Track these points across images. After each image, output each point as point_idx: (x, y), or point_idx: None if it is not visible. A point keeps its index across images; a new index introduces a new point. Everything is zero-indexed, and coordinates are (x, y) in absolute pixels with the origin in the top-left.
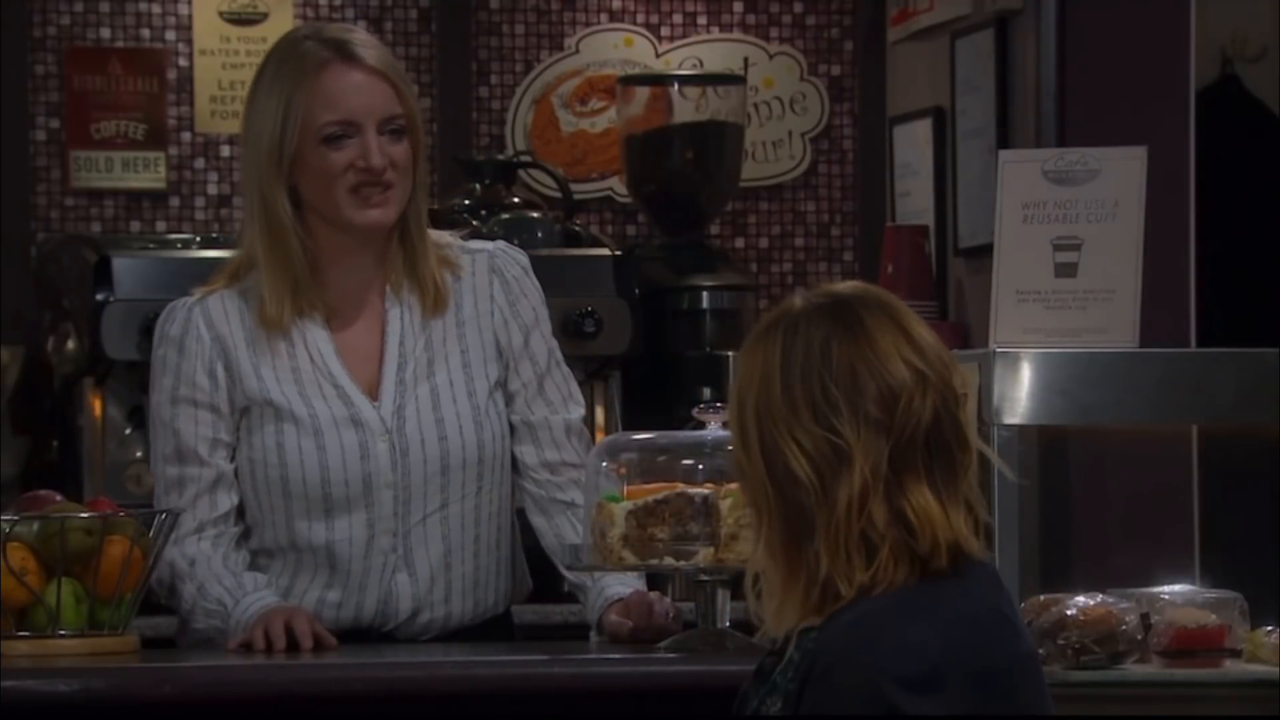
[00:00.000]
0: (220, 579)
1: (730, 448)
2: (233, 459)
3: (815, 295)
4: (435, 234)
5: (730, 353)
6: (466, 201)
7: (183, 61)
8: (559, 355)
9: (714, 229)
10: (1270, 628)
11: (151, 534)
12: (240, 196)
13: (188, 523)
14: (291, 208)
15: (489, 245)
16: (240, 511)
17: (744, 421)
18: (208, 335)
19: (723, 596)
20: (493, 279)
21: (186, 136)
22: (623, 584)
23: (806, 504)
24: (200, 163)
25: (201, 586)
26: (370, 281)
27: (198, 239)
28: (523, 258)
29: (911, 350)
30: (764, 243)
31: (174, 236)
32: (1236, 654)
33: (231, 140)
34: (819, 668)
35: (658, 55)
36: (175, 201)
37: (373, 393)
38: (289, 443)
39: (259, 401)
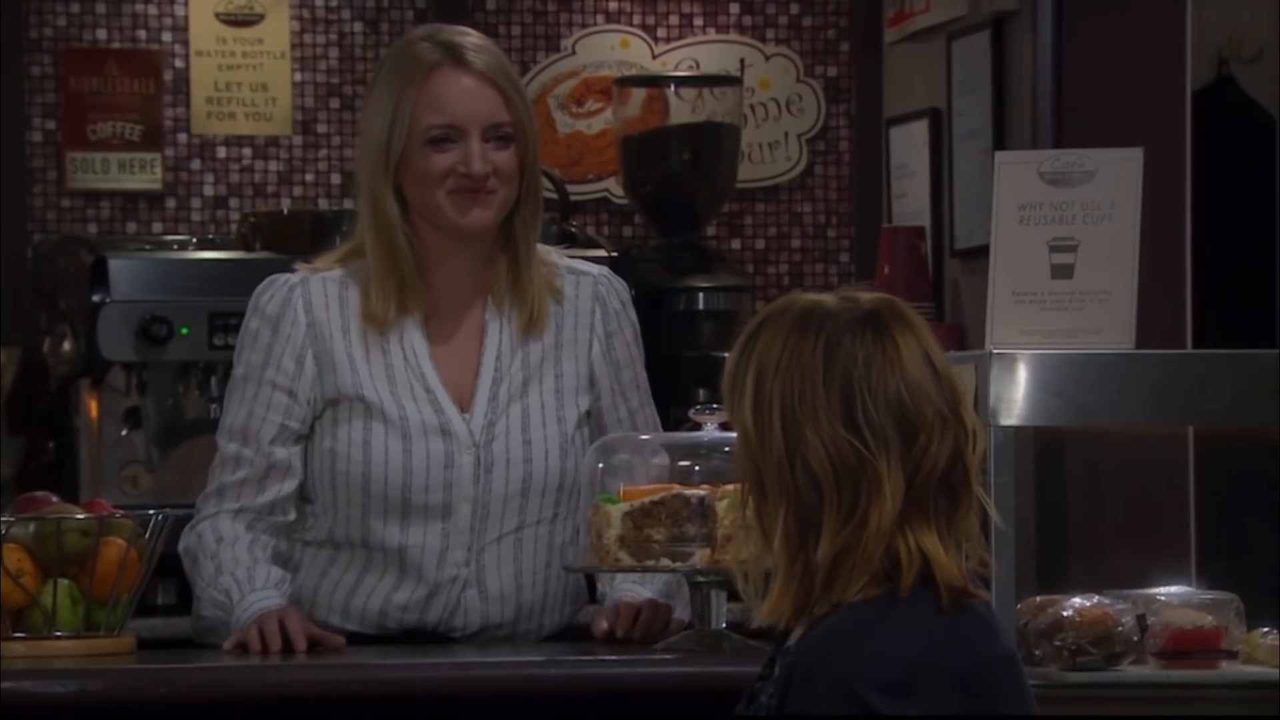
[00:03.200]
0: (238, 565)
1: (728, 447)
2: (298, 446)
3: (850, 303)
4: (542, 249)
5: (726, 354)
6: None
7: (179, 63)
8: (648, 394)
9: (710, 230)
10: (1267, 629)
11: (148, 535)
12: (236, 197)
13: (230, 501)
14: (398, 207)
15: (594, 269)
16: (291, 501)
17: (766, 402)
18: (304, 319)
19: (719, 598)
20: (595, 306)
21: (183, 138)
22: (638, 586)
23: (815, 502)
24: (196, 164)
25: (220, 568)
26: (473, 290)
27: (194, 240)
28: (624, 289)
29: (935, 385)
30: (760, 244)
31: (170, 238)
32: (1233, 655)
33: (228, 141)
34: (798, 677)
35: (654, 56)
36: (171, 203)
37: (464, 404)
38: (376, 441)
39: (350, 395)
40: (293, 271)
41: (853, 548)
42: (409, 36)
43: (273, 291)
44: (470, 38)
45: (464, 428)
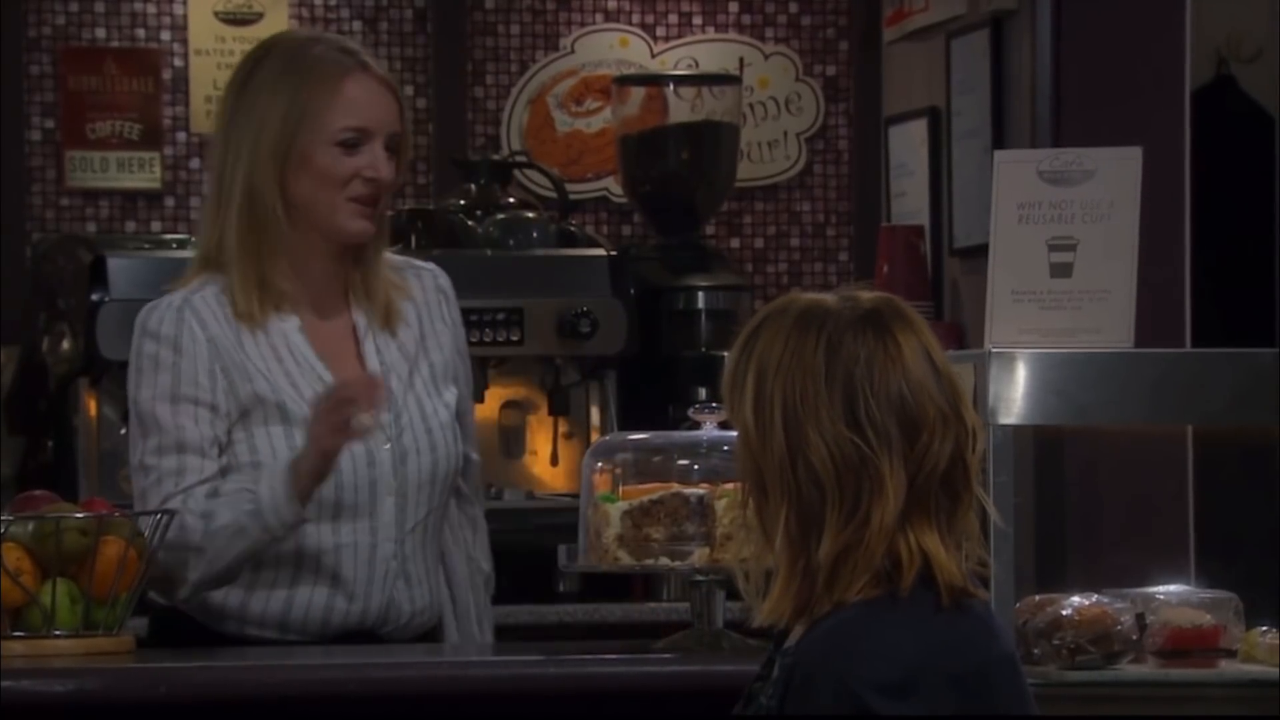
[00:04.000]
0: (239, 493)
1: (727, 446)
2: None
3: (850, 302)
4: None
5: (725, 352)
6: (462, 202)
7: (178, 61)
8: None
9: (709, 229)
10: (1266, 628)
11: (147, 534)
12: None
13: (194, 501)
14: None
15: (427, 265)
16: None
17: (767, 402)
18: (202, 335)
19: (718, 596)
20: (440, 299)
21: (182, 136)
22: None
23: (817, 501)
24: (195, 163)
25: (215, 513)
26: (336, 290)
27: (193, 239)
28: (450, 283)
29: (936, 384)
30: (759, 243)
31: (169, 236)
32: (1232, 654)
33: None
34: (797, 679)
35: (653, 55)
36: (170, 201)
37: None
38: (298, 447)
39: (267, 402)
40: (167, 292)
41: (854, 547)
42: (293, 38)
43: (160, 314)
44: (359, 45)
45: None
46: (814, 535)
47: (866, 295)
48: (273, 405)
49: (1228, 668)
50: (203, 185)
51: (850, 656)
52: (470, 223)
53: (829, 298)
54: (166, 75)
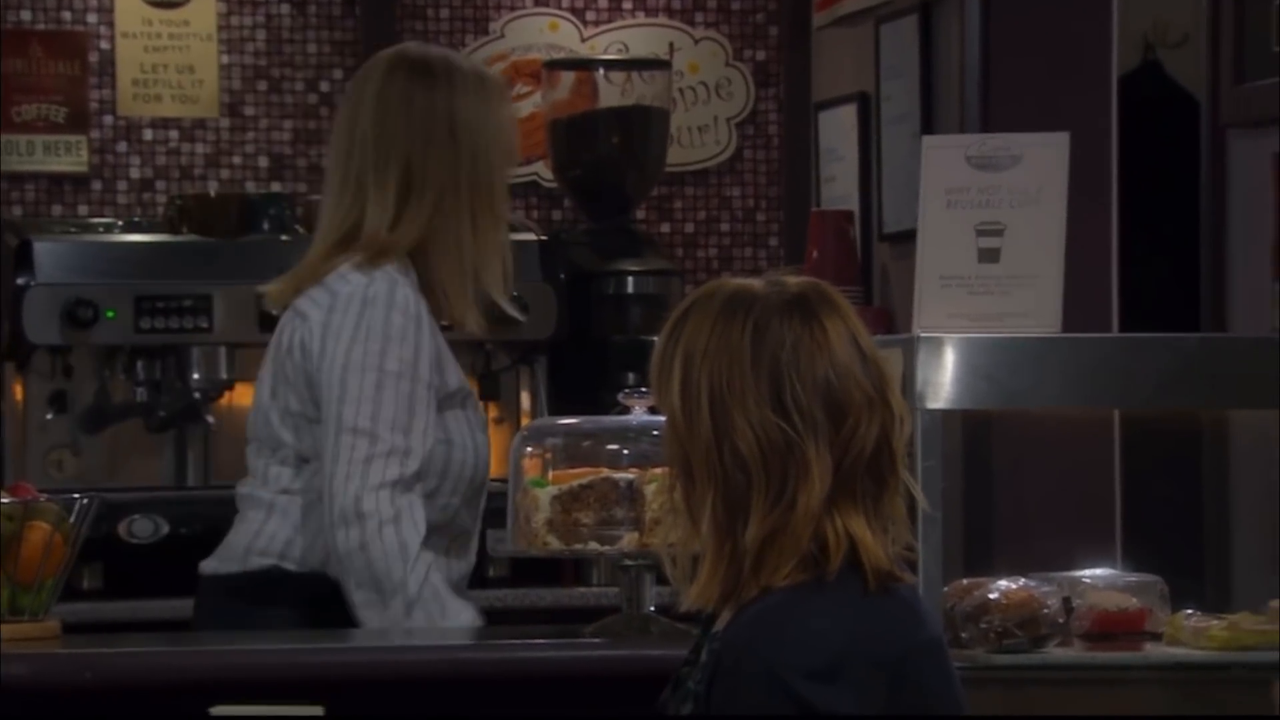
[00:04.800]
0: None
1: (656, 431)
2: None
3: (777, 287)
4: None
5: (655, 337)
6: None
7: (104, 44)
8: None
9: (639, 214)
10: (1190, 611)
11: (73, 520)
12: (163, 180)
13: (418, 497)
14: None
15: None
16: None
17: (694, 387)
18: (426, 318)
19: (647, 581)
20: None
21: (108, 120)
22: None
23: (743, 485)
24: (122, 146)
25: (448, 610)
26: None
27: (120, 223)
28: None
29: (862, 369)
30: (690, 228)
31: (96, 220)
32: (1157, 637)
33: (154, 124)
34: (725, 665)
35: (583, 40)
36: (97, 185)
37: None
38: (476, 432)
39: (457, 390)
40: (369, 269)
41: (780, 531)
42: (467, 57)
43: (404, 292)
44: None
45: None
46: (740, 520)
47: (794, 280)
48: (461, 393)
49: (1153, 651)
50: (129, 170)
51: (777, 642)
52: None
53: (756, 283)
54: (93, 58)
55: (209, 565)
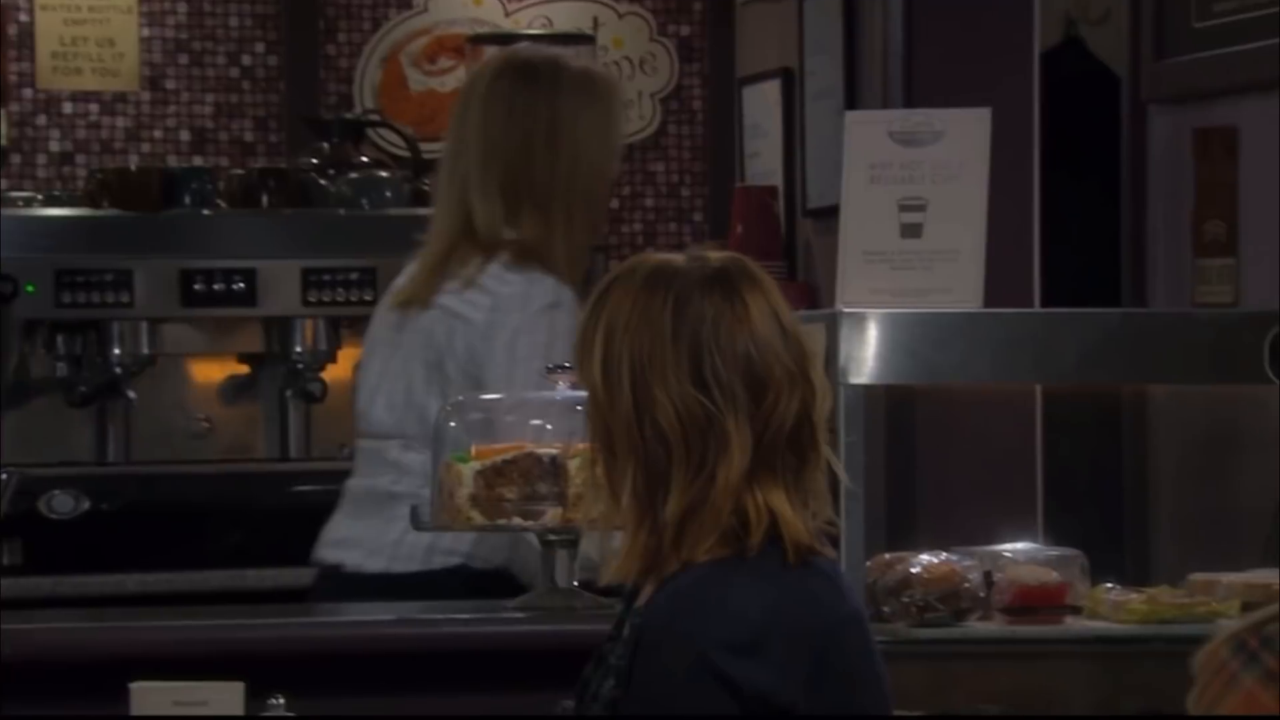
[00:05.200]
0: None
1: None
2: None
3: (699, 262)
4: None
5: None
6: (314, 161)
7: (23, 16)
8: None
9: None
10: (1110, 585)
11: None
12: (83, 154)
13: None
14: None
15: None
16: None
17: (614, 360)
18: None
19: (570, 556)
20: None
21: (28, 93)
22: None
23: (663, 459)
24: (42, 120)
25: None
26: None
27: (40, 197)
28: None
29: (783, 344)
30: (614, 203)
31: (16, 194)
32: (1077, 611)
33: (74, 97)
34: (646, 641)
35: (507, 14)
36: (17, 159)
37: None
38: None
39: None
40: (521, 269)
41: (700, 505)
42: (580, 57)
43: (563, 290)
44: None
45: None
46: (661, 494)
47: (716, 255)
48: None
49: (1073, 624)
50: (49, 143)
51: (698, 617)
52: (323, 182)
53: (678, 258)
54: (12, 30)
55: (365, 563)
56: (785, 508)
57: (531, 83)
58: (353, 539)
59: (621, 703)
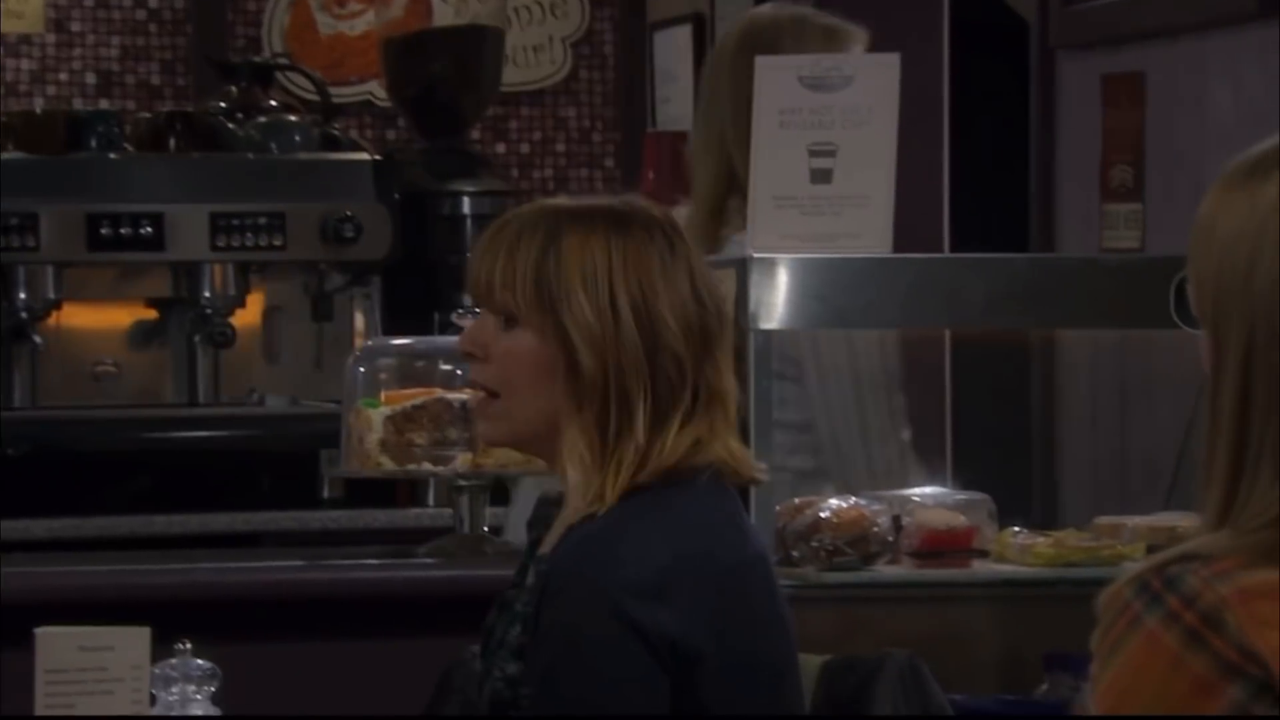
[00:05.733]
0: None
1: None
2: None
3: (628, 207)
4: None
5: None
6: (222, 104)
7: None
8: None
9: (475, 134)
10: (1018, 528)
11: None
12: None
13: None
14: None
15: None
16: None
17: (608, 298)
18: None
19: (481, 501)
20: None
21: None
22: None
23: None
24: None
25: None
26: None
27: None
28: None
29: (705, 289)
30: (525, 148)
31: None
32: (985, 554)
33: None
34: (552, 587)
35: None
36: None
37: None
38: None
39: None
40: None
41: (608, 450)
42: (827, 13)
43: None
44: None
45: None
46: (626, 425)
47: (637, 202)
48: None
49: (980, 568)
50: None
51: (604, 561)
52: (231, 125)
53: (608, 202)
54: None
55: None
56: (692, 452)
57: (772, 36)
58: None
59: (529, 650)
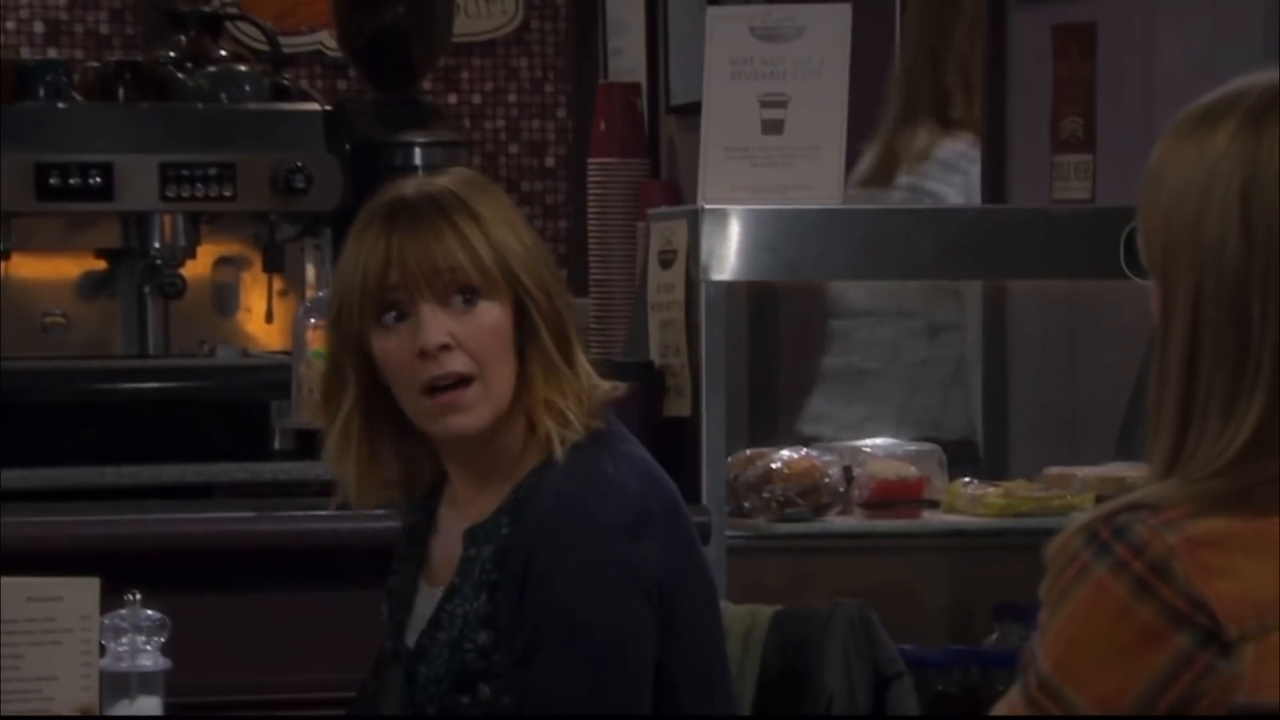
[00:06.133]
0: None
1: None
2: None
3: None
4: None
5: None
6: (171, 54)
7: None
8: None
9: (426, 85)
10: (968, 479)
11: None
12: None
13: None
14: None
15: None
16: None
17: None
18: None
19: None
20: None
21: None
22: None
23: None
24: None
25: None
26: None
27: None
28: None
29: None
30: (477, 99)
31: None
32: (935, 505)
33: None
34: (544, 540)
35: None
36: None
37: None
38: None
39: None
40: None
41: (573, 390)
42: None
43: None
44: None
45: None
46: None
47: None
48: None
49: (931, 519)
50: None
51: (590, 505)
52: (180, 75)
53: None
54: None
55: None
56: (578, 405)
57: None
58: (826, 415)
59: (506, 614)
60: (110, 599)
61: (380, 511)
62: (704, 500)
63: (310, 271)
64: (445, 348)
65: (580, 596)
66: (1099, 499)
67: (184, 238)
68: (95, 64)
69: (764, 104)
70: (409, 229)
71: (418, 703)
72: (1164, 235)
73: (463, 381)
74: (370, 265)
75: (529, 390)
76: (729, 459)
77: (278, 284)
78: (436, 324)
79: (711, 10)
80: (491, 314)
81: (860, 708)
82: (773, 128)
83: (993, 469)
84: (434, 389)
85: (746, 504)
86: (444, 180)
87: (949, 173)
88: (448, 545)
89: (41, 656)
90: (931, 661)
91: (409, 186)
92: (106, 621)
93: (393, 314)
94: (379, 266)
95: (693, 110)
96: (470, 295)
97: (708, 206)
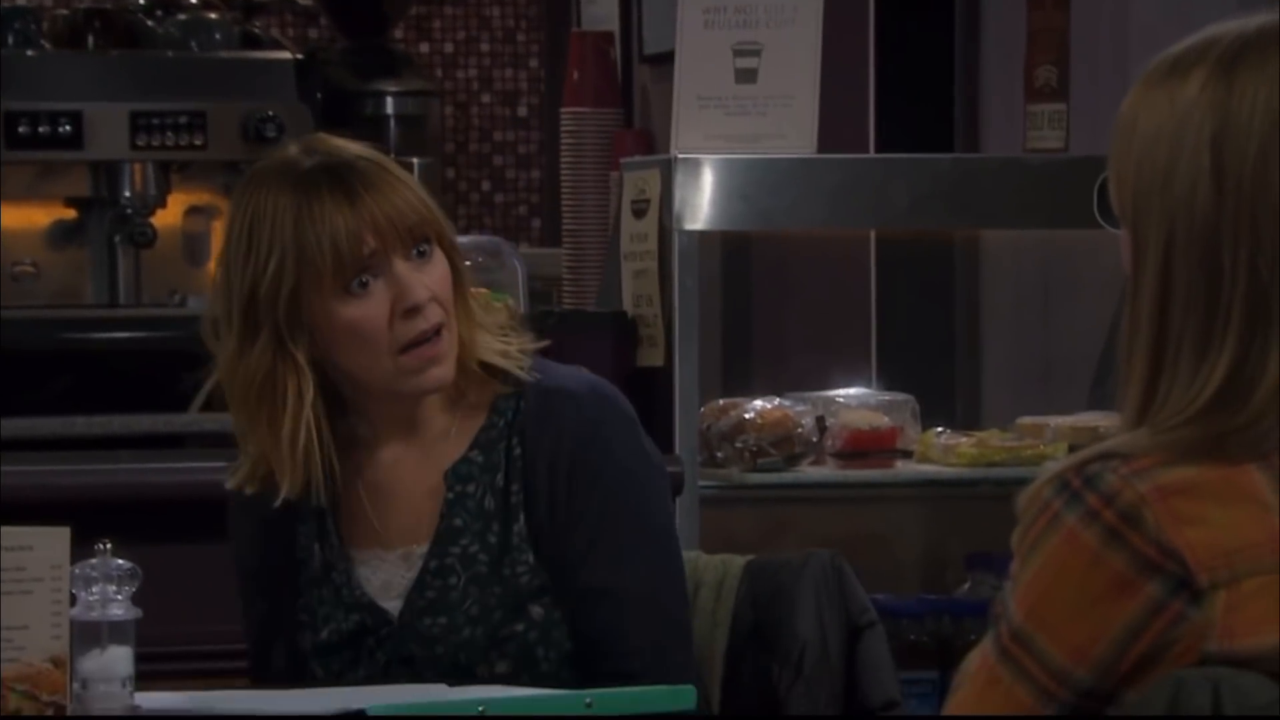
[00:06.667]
0: None
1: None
2: None
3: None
4: None
5: (416, 159)
6: (141, 1)
7: None
8: None
9: (398, 33)
10: (941, 429)
11: None
12: None
13: None
14: None
15: None
16: None
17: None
18: None
19: None
20: None
21: None
22: None
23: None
24: None
25: None
26: None
27: None
28: None
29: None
30: (449, 47)
31: None
32: (908, 455)
33: None
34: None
35: None
36: None
37: None
38: None
39: None
40: None
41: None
42: None
43: None
44: None
45: None
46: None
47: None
48: None
49: (904, 468)
50: None
51: (610, 398)
52: (150, 23)
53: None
54: None
55: None
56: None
57: None
58: None
59: (552, 522)
60: (81, 548)
61: None
62: (677, 450)
63: None
64: (434, 299)
65: (636, 487)
66: (1072, 448)
67: (154, 186)
68: (64, 11)
69: (737, 53)
70: (371, 190)
71: (439, 660)
72: (1135, 184)
73: (436, 332)
74: (339, 234)
75: (468, 330)
76: (702, 409)
77: None
78: (416, 279)
79: None
80: (442, 261)
81: (833, 657)
82: (746, 76)
83: (966, 419)
84: (409, 346)
85: (719, 454)
86: (338, 143)
87: None
88: (410, 502)
89: (12, 606)
90: (904, 611)
91: (317, 156)
92: (77, 571)
93: (359, 280)
94: (351, 233)
95: (666, 59)
96: (425, 246)
97: (681, 156)
